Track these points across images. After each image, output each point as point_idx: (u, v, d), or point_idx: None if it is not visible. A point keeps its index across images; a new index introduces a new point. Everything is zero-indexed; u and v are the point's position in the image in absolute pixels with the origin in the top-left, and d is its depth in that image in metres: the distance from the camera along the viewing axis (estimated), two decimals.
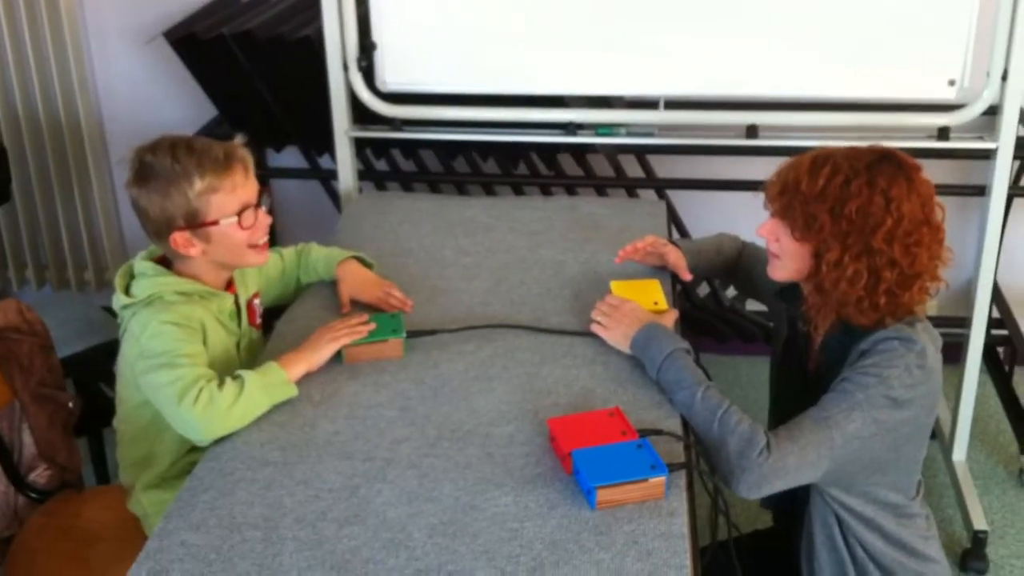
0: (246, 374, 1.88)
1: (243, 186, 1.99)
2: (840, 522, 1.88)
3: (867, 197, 1.79)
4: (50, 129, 3.58)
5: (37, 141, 3.60)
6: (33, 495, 2.27)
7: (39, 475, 2.29)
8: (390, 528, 1.62)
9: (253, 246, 2.04)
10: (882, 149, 1.86)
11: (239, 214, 1.98)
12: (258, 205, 2.02)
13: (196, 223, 1.96)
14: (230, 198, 1.97)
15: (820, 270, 1.84)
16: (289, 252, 2.34)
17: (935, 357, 1.84)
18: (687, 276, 2.28)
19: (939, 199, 1.85)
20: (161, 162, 1.94)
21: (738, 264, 2.32)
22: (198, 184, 1.94)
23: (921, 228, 1.81)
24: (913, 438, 1.88)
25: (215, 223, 1.97)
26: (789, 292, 2.02)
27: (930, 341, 1.84)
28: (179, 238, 1.97)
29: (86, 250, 3.79)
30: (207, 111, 3.32)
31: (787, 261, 1.91)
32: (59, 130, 3.59)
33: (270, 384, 1.89)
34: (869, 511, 1.88)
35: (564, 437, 1.75)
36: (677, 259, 2.28)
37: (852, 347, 1.85)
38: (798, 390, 2.00)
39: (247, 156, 2.02)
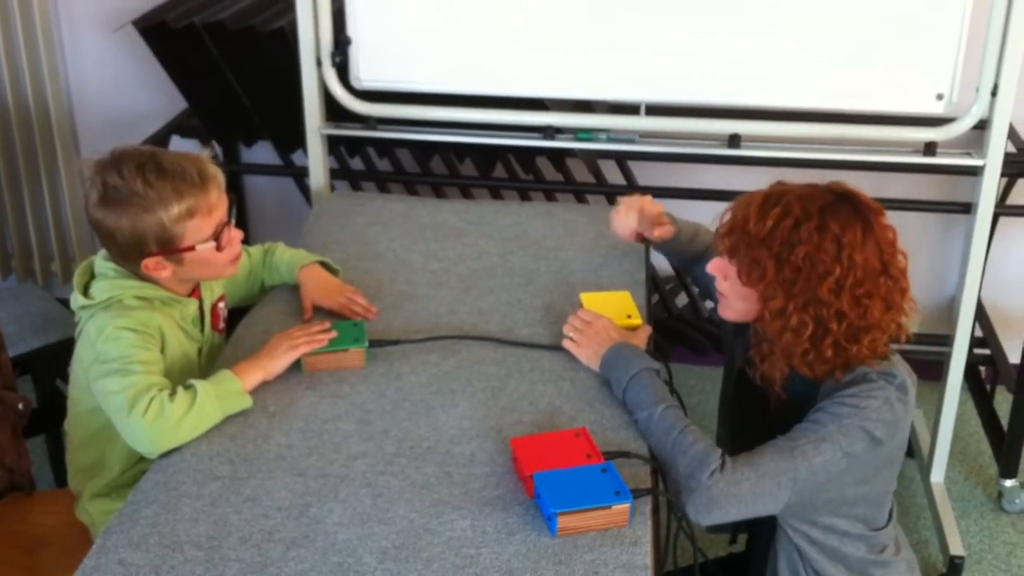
0: (199, 384, 1.80)
1: (218, 206, 1.91)
2: (804, 557, 1.80)
3: (816, 243, 1.69)
4: (18, 117, 3.49)
5: (5, 129, 3.50)
6: None
7: None
8: (339, 551, 1.55)
9: (232, 261, 1.98)
10: (841, 189, 1.75)
11: (217, 237, 1.90)
12: (229, 220, 1.95)
13: (170, 249, 1.87)
14: (207, 221, 1.89)
15: (765, 317, 1.76)
16: (256, 251, 2.26)
17: (912, 392, 1.76)
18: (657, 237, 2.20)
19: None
20: (131, 185, 1.83)
21: (704, 256, 2.18)
22: (175, 209, 1.84)
23: (877, 278, 1.71)
24: (883, 471, 1.79)
25: (191, 248, 1.88)
26: (744, 329, 1.93)
27: (907, 374, 1.76)
28: (151, 263, 1.88)
29: (52, 241, 3.69)
30: (179, 102, 3.23)
31: (734, 302, 1.83)
32: (28, 118, 3.49)
33: (223, 394, 1.81)
34: (834, 542, 1.80)
35: (526, 458, 1.68)
36: (662, 235, 2.19)
37: (819, 387, 1.77)
38: (762, 431, 1.91)
39: (219, 173, 1.93)
